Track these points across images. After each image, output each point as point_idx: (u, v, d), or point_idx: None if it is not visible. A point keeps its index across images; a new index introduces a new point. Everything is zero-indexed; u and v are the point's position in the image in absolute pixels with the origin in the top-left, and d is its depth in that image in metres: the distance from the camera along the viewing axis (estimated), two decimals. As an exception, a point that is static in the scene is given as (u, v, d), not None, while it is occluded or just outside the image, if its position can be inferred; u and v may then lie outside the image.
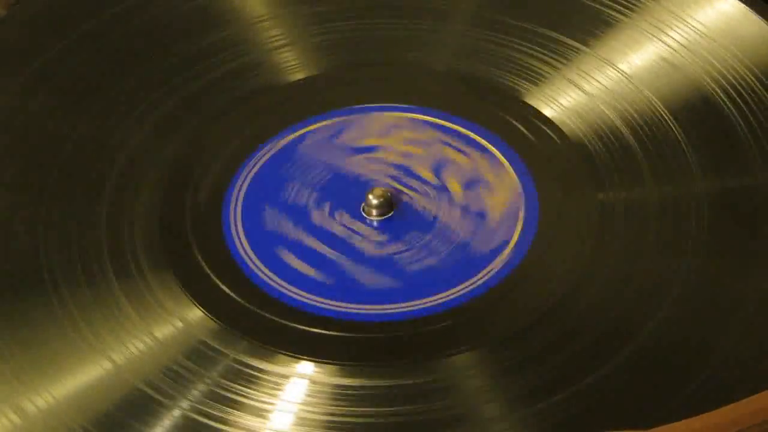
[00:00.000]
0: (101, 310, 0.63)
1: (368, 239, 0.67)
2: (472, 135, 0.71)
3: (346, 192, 0.69)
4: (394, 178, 0.69)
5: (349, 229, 0.67)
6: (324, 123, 0.72)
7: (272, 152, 0.71)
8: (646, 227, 0.66)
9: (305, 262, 0.66)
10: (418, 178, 0.70)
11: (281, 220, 0.67)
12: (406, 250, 0.67)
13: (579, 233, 0.66)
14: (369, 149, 0.71)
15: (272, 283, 0.65)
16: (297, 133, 0.72)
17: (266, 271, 0.65)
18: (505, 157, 0.70)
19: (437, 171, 0.70)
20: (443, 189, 0.69)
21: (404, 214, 0.68)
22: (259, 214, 0.68)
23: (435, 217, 0.68)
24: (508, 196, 0.68)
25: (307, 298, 0.64)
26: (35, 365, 0.61)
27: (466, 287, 0.64)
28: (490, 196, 0.69)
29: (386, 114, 0.72)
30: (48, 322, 0.63)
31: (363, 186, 0.69)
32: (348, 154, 0.71)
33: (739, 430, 0.49)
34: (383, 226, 0.68)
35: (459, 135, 0.71)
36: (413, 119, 0.72)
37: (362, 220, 0.68)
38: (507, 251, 0.66)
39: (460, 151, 0.71)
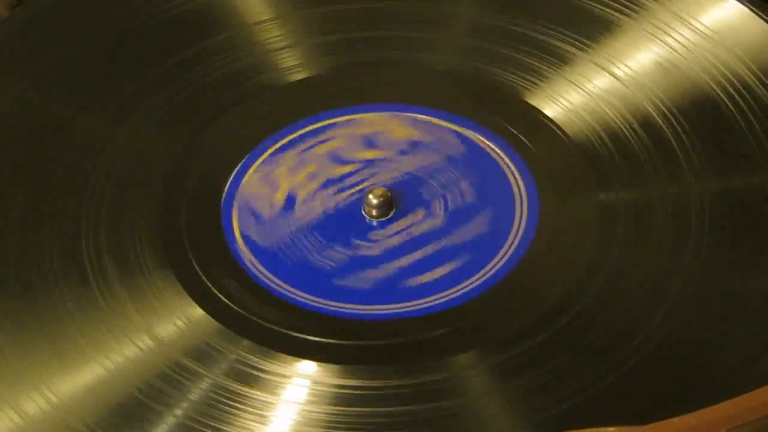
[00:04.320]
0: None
1: (423, 221, 0.67)
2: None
3: (343, 225, 0.68)
4: (339, 191, 0.69)
5: (398, 232, 0.67)
6: (236, 210, 0.69)
7: (272, 152, 0.71)
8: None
9: (432, 269, 0.65)
10: (346, 175, 0.70)
11: (363, 276, 0.66)
12: (445, 198, 0.68)
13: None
14: (291, 200, 0.69)
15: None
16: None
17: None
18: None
19: (341, 161, 0.70)
20: (369, 162, 0.70)
21: (395, 195, 0.68)
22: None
23: (407, 173, 0.69)
24: (396, 122, 0.69)
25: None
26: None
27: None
28: (390, 134, 0.70)
29: (249, 174, 0.70)
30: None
31: (341, 213, 0.68)
32: (288, 213, 0.69)
33: (734, 426, 0.49)
34: (407, 211, 0.68)
35: (307, 134, 0.71)
36: (267, 159, 0.71)
37: (391, 222, 0.68)
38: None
39: (322, 141, 0.71)
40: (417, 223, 0.67)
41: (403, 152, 0.70)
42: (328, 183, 0.70)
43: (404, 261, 0.66)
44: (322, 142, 0.71)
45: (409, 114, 0.72)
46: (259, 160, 0.71)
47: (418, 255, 0.66)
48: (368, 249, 0.67)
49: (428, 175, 0.69)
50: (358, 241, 0.67)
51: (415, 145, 0.71)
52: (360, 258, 0.66)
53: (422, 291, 0.64)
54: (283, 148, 0.71)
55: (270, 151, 0.71)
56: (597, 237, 0.66)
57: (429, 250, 0.66)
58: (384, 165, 0.70)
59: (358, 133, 0.72)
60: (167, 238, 0.67)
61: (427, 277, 0.65)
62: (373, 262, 0.66)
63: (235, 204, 0.69)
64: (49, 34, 0.76)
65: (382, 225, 0.68)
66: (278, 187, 0.70)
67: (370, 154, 0.71)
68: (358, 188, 0.69)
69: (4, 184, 0.69)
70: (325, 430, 0.59)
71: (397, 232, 0.67)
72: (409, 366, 0.61)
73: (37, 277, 0.65)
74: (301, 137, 0.72)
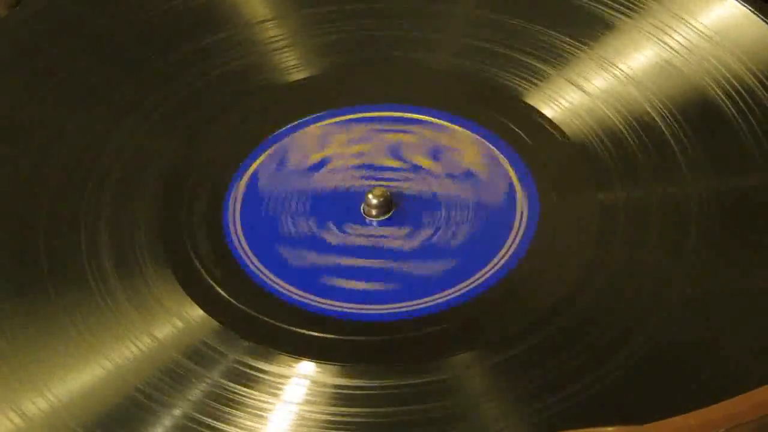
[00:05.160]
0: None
1: (422, 220, 0.67)
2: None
3: (337, 206, 0.68)
4: (366, 177, 0.69)
5: (370, 236, 0.67)
6: (262, 158, 0.70)
7: (272, 152, 0.71)
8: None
9: (357, 280, 0.65)
10: (387, 168, 0.69)
11: (303, 254, 0.66)
12: (437, 230, 0.67)
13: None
14: (322, 163, 0.70)
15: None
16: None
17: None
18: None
19: (397, 155, 0.70)
20: (417, 168, 0.69)
21: (405, 204, 0.68)
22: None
23: (433, 194, 0.68)
24: (476, 149, 0.68)
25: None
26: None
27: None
28: (460, 156, 0.69)
29: (311, 128, 0.72)
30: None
31: (348, 195, 0.68)
32: (307, 174, 0.70)
33: (733, 425, 0.49)
34: (395, 222, 0.67)
35: (390, 119, 0.71)
36: (339, 122, 0.71)
37: (389, 221, 0.67)
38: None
39: (401, 131, 0.71)
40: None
41: (451, 175, 0.70)
42: (363, 167, 0.70)
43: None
44: (390, 131, 0.71)
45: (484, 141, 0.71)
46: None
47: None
48: (330, 236, 0.67)
49: (430, 176, 0.69)
50: (327, 223, 0.67)
51: (468, 174, 0.70)
52: (315, 238, 0.67)
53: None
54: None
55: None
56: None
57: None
58: (426, 175, 0.69)
59: (429, 138, 0.71)
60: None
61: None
62: (323, 248, 0.66)
63: (272, 145, 0.70)
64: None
65: (381, 224, 0.68)
66: (324, 147, 0.70)
67: (425, 163, 0.70)
68: (382, 182, 0.69)
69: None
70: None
71: (372, 236, 0.67)
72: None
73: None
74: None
